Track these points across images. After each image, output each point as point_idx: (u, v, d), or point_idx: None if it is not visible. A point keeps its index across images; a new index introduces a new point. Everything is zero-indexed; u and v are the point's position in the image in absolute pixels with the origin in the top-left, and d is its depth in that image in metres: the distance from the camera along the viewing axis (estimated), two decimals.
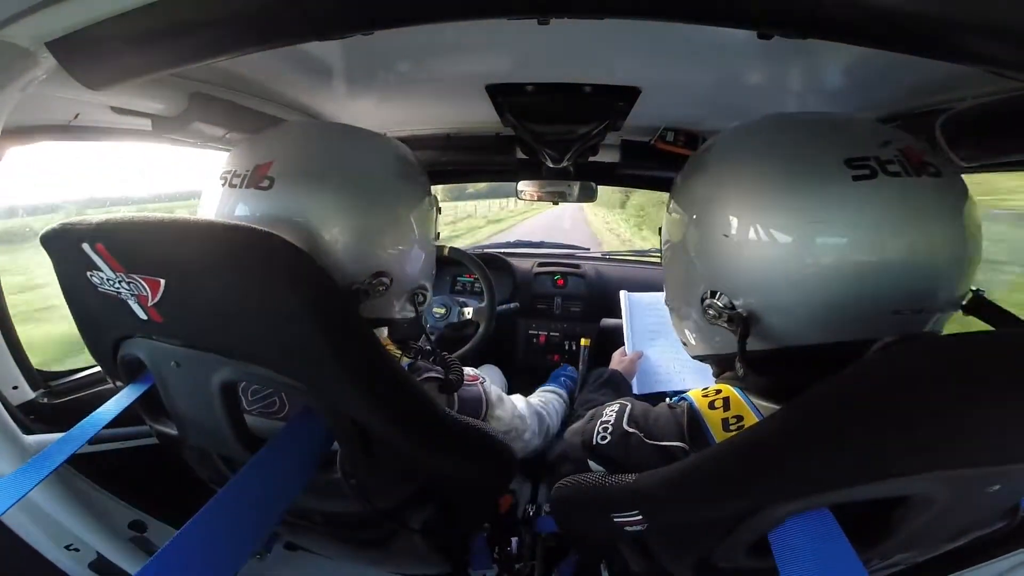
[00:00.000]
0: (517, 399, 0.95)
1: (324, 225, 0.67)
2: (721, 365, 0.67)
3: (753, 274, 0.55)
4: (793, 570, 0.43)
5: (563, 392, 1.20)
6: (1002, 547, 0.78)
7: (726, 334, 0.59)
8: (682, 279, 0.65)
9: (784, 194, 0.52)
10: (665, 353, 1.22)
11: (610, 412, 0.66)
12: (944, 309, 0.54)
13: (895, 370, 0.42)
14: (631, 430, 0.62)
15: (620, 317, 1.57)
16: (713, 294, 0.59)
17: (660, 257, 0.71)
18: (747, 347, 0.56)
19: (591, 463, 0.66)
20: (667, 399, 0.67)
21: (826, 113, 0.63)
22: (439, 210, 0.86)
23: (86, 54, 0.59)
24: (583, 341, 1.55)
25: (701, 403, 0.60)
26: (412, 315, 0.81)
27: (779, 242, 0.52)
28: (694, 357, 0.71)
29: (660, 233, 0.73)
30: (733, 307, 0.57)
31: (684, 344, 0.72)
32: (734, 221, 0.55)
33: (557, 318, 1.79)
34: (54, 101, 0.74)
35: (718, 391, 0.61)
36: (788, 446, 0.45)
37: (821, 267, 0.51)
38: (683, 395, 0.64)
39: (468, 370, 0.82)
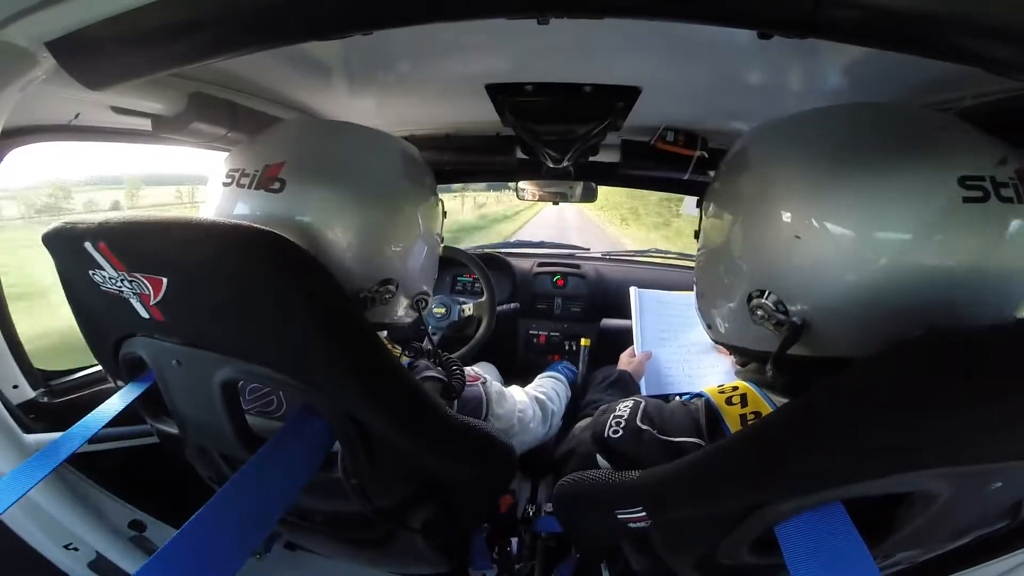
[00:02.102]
0: (516, 391, 0.95)
1: (333, 228, 0.66)
2: (748, 356, 0.66)
3: (821, 282, 0.51)
4: (801, 566, 0.43)
5: (562, 377, 1.20)
6: (1004, 547, 0.78)
7: (766, 332, 0.56)
8: (722, 277, 0.62)
9: (878, 205, 0.48)
10: (675, 355, 1.19)
11: (623, 408, 0.66)
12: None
13: (901, 366, 0.42)
14: (644, 427, 0.62)
15: (620, 317, 1.57)
16: (762, 293, 0.55)
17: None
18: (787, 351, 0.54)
19: (598, 458, 0.66)
20: (678, 397, 0.67)
21: (913, 108, 0.57)
22: (444, 214, 0.86)
23: (85, 54, 0.59)
24: (583, 341, 1.55)
25: (718, 399, 0.59)
26: (413, 319, 0.82)
27: (858, 255, 0.48)
28: (716, 342, 0.69)
29: (699, 208, 0.70)
30: (786, 311, 0.54)
31: (708, 327, 0.69)
32: (806, 225, 0.51)
33: (557, 318, 1.79)
34: (54, 101, 0.74)
35: (735, 387, 0.60)
36: (792, 441, 0.45)
37: (900, 285, 0.48)
38: (697, 392, 0.63)
39: (469, 370, 0.82)
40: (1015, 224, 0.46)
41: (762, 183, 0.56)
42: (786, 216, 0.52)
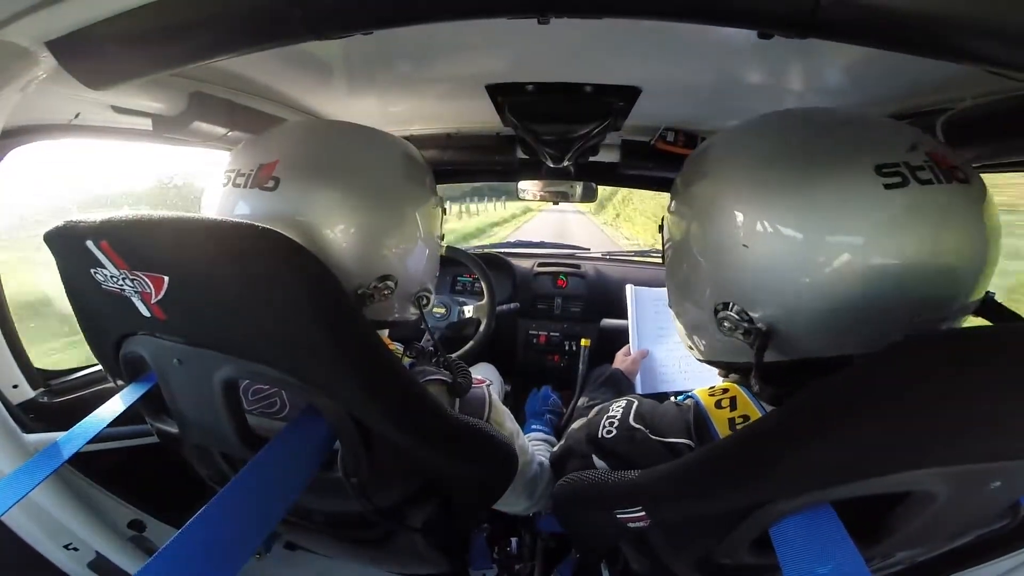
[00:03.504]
0: (525, 441, 0.89)
1: (329, 225, 0.66)
2: (731, 370, 0.66)
3: (773, 286, 0.52)
4: (794, 567, 0.43)
5: (552, 438, 1.09)
6: (1003, 547, 0.79)
7: (739, 343, 0.56)
8: (688, 283, 0.62)
9: (809, 202, 0.49)
10: (671, 353, 1.19)
11: (617, 408, 0.66)
12: (962, 313, 0.53)
13: (895, 364, 0.42)
14: (637, 426, 0.62)
15: (621, 317, 1.56)
16: (727, 305, 0.56)
17: (662, 256, 0.70)
18: (763, 359, 0.54)
19: (595, 459, 0.66)
20: (673, 397, 0.67)
21: (836, 110, 0.59)
22: (444, 210, 0.86)
23: (86, 54, 0.59)
24: (583, 341, 1.55)
25: (708, 402, 0.60)
26: (415, 317, 0.81)
27: (802, 253, 0.49)
28: (702, 361, 0.69)
29: (661, 232, 0.71)
30: (750, 319, 0.54)
31: (690, 348, 0.69)
32: (752, 230, 0.52)
33: (557, 318, 1.79)
34: (54, 100, 0.74)
35: (725, 390, 0.61)
36: (789, 441, 0.45)
37: (847, 277, 0.48)
38: (689, 393, 0.64)
39: (474, 374, 0.82)
40: (940, 204, 0.47)
41: (721, 193, 0.57)
42: (736, 228, 0.53)
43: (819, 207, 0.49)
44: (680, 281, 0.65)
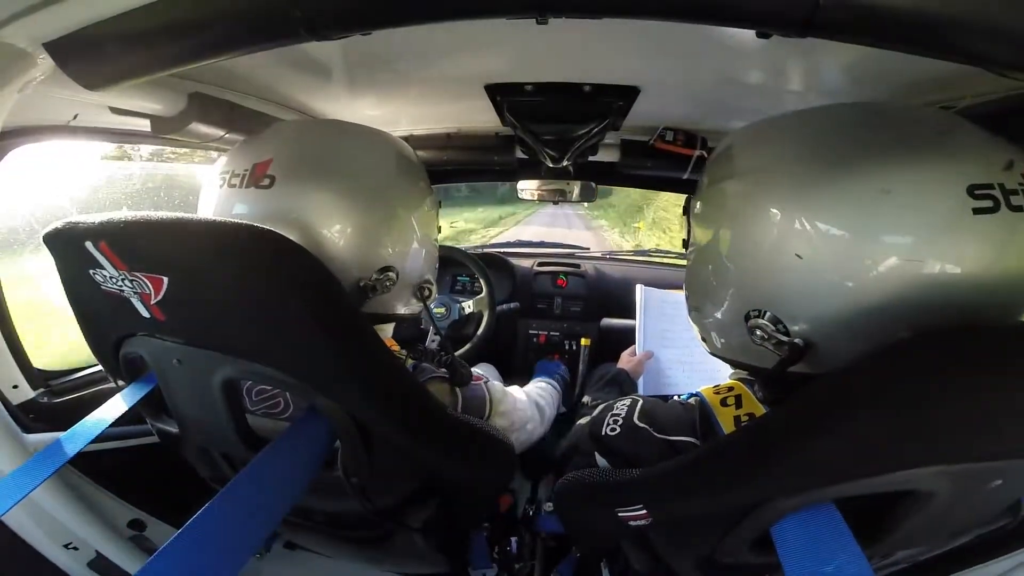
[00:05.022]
0: (516, 391, 0.96)
1: (325, 222, 0.67)
2: (746, 370, 0.64)
3: (823, 298, 0.48)
4: (795, 565, 0.43)
5: (556, 385, 1.20)
6: (1004, 547, 0.78)
7: (767, 352, 0.55)
8: (713, 284, 0.60)
9: (889, 207, 0.45)
10: (676, 356, 1.19)
11: (621, 406, 0.66)
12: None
13: (898, 363, 0.42)
14: (641, 424, 0.62)
15: (621, 317, 1.57)
16: (761, 313, 0.53)
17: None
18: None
19: (597, 456, 0.66)
20: (677, 396, 0.67)
21: (925, 110, 0.53)
22: (439, 203, 0.87)
23: (84, 55, 0.59)
24: (583, 341, 1.55)
25: (713, 400, 0.60)
26: (418, 310, 0.82)
27: (865, 271, 0.45)
28: (713, 355, 0.68)
29: (685, 216, 0.70)
30: (786, 331, 0.52)
31: (703, 340, 0.68)
32: (809, 238, 0.47)
33: (557, 318, 1.79)
34: (52, 102, 0.74)
35: (730, 388, 0.61)
36: (791, 438, 0.45)
37: (909, 300, 0.45)
38: (694, 392, 0.64)
39: (472, 371, 0.82)
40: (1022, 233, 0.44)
41: (752, 186, 0.53)
42: (776, 217, 0.49)
43: (892, 214, 0.45)
44: (703, 281, 0.63)
